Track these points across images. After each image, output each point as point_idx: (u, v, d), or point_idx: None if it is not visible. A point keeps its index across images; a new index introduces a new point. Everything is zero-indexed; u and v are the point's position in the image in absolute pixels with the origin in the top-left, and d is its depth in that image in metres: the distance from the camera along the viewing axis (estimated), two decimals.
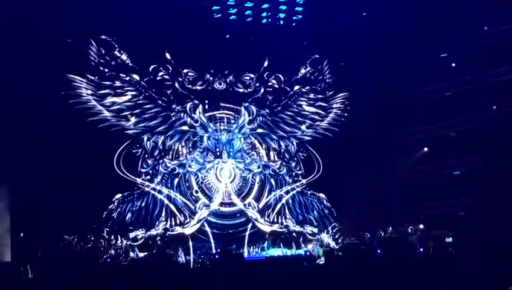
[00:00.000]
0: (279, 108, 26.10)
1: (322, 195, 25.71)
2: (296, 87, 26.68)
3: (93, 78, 22.44)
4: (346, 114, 26.84)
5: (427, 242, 22.44)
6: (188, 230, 22.62)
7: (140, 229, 21.67)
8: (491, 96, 24.91)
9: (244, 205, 24.07)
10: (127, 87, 23.18)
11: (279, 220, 24.48)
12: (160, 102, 23.81)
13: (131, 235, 21.40)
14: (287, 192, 25.19)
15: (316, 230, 24.78)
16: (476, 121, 25.06)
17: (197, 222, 22.92)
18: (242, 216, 23.90)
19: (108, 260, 19.58)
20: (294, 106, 26.43)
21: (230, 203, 23.94)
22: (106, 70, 22.83)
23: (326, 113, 26.82)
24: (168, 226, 22.33)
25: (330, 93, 27.10)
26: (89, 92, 22.19)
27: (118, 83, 23.02)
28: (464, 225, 23.34)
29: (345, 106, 27.00)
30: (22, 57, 19.37)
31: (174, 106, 24.09)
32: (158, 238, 21.69)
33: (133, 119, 23.00)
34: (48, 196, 19.13)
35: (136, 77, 23.47)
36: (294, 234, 24.23)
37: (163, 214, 22.54)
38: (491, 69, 25.04)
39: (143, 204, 22.28)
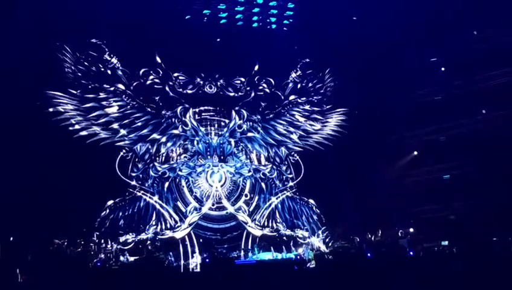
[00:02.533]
0: (271, 115, 26.13)
1: (311, 201, 25.66)
2: (292, 97, 26.69)
3: (75, 92, 22.30)
4: (338, 127, 26.85)
5: (417, 245, 22.49)
6: (179, 234, 22.54)
7: (130, 233, 21.61)
8: (480, 101, 25.02)
9: (235, 208, 24.03)
10: (112, 98, 23.09)
11: (270, 224, 24.44)
12: (149, 109, 23.80)
13: (122, 239, 21.32)
14: (277, 196, 25.18)
15: (306, 234, 24.75)
16: (465, 125, 25.15)
17: (188, 226, 22.86)
18: (232, 220, 23.86)
19: (99, 264, 19.50)
20: (288, 115, 26.44)
21: (220, 207, 23.87)
22: (90, 82, 22.71)
23: (319, 125, 26.77)
24: (158, 230, 22.26)
25: (327, 106, 27.13)
26: (72, 106, 22.05)
27: (102, 95, 22.90)
28: (454, 229, 23.45)
29: (338, 117, 27.02)
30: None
31: (164, 111, 24.08)
32: (148, 242, 21.60)
33: (122, 131, 22.93)
34: (38, 202, 19.07)
35: (121, 86, 23.40)
36: (284, 238, 24.19)
37: (153, 218, 22.47)
38: (480, 73, 25.15)
39: (134, 209, 22.22)
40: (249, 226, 23.87)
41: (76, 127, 21.95)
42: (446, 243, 22.45)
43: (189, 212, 23.15)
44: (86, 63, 22.80)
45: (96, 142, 22.17)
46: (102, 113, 22.69)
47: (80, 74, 22.59)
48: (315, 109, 27.01)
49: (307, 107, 26.89)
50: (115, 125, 22.84)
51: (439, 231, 23.52)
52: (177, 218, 22.85)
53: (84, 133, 22.02)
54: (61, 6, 20.76)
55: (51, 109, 21.64)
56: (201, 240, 22.65)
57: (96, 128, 22.33)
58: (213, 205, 23.77)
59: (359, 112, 26.41)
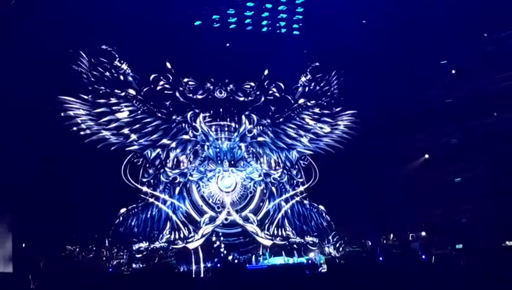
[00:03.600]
0: (281, 119, 26.11)
1: (321, 207, 25.55)
2: (301, 101, 26.65)
3: (87, 97, 22.37)
4: (348, 129, 26.78)
5: (429, 249, 22.36)
6: (192, 245, 22.42)
7: (143, 242, 21.61)
8: (492, 103, 24.86)
9: (243, 218, 23.92)
10: (123, 103, 23.15)
11: (280, 233, 24.31)
12: (159, 114, 23.83)
13: (135, 247, 21.37)
14: (287, 201, 25.11)
15: (316, 240, 24.64)
16: (476, 127, 25.00)
17: (201, 237, 22.77)
18: (241, 227, 23.81)
19: (111, 270, 19.57)
20: (297, 118, 26.40)
21: (231, 212, 23.85)
22: (101, 87, 22.78)
23: (329, 128, 26.69)
24: (171, 239, 22.26)
25: (337, 109, 27.02)
26: (83, 112, 22.13)
27: (113, 100, 22.97)
28: (466, 232, 23.29)
29: (349, 119, 26.94)
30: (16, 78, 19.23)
31: (174, 116, 24.11)
32: (161, 251, 21.59)
33: (133, 136, 22.99)
34: (50, 209, 19.16)
35: (132, 92, 23.47)
36: (295, 245, 24.06)
37: (167, 227, 22.50)
38: (491, 75, 24.99)
39: (147, 216, 22.25)
40: (259, 236, 23.76)
41: (87, 132, 22.05)
42: (460, 246, 22.30)
43: (204, 223, 23.10)
44: (99, 68, 22.90)
45: (107, 147, 22.27)
46: (113, 118, 22.78)
47: (91, 80, 22.66)
48: (324, 111, 26.94)
49: (317, 110, 26.83)
50: (126, 131, 22.92)
51: (452, 235, 23.37)
52: (190, 227, 22.84)
53: (95, 138, 22.10)
54: (71, 13, 20.85)
55: (62, 114, 21.76)
56: (213, 245, 22.57)
57: (106, 133, 22.42)
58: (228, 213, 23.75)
59: (369, 115, 26.29)
